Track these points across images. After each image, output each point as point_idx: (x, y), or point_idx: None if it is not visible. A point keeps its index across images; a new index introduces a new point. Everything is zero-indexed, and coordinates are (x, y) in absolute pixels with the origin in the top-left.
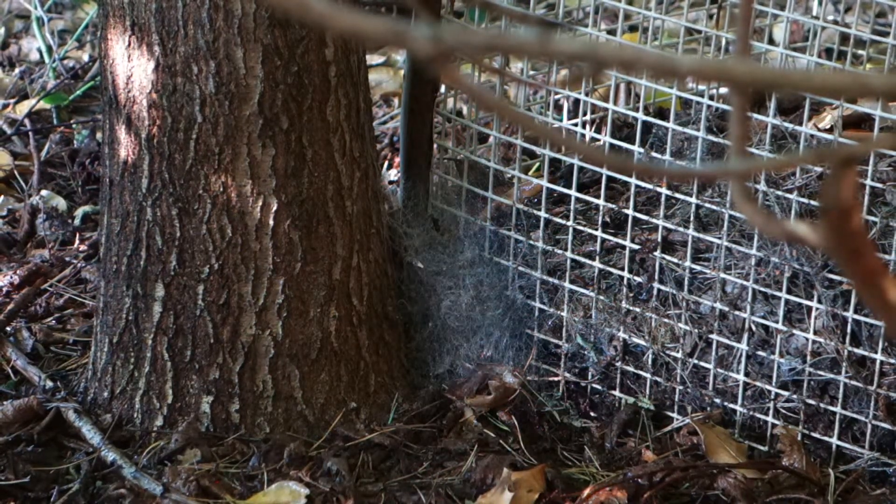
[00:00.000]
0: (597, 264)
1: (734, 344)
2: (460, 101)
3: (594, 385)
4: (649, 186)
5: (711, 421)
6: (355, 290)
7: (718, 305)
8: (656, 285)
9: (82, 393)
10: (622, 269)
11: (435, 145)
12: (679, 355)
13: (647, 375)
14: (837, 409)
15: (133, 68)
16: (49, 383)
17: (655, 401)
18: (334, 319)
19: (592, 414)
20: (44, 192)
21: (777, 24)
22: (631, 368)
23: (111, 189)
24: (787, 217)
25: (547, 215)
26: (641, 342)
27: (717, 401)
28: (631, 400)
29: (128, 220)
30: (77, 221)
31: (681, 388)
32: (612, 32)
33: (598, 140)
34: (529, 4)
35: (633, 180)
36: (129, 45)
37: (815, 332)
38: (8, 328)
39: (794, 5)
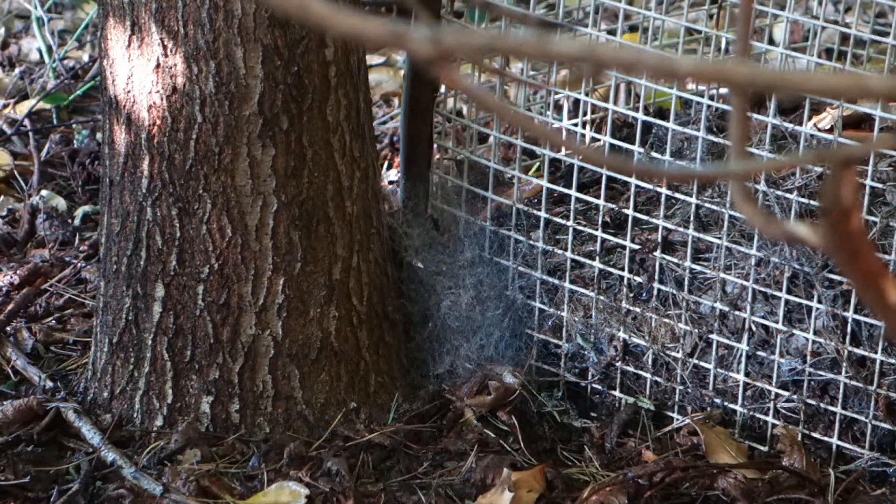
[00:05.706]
0: (597, 264)
1: (734, 344)
2: (460, 101)
3: (594, 385)
4: (649, 186)
5: (711, 421)
6: (355, 290)
7: (718, 305)
8: (656, 285)
9: (82, 393)
10: (622, 269)
11: (435, 145)
12: (679, 355)
13: (648, 375)
14: (837, 409)
15: (133, 68)
16: (49, 383)
17: (655, 401)
18: (334, 319)
19: (592, 414)
20: (44, 192)
21: (777, 25)
22: (631, 368)
23: (111, 189)
24: (787, 217)
25: (547, 215)
26: (641, 342)
27: (718, 401)
28: (631, 400)
29: (128, 220)
30: (77, 221)
31: (681, 388)
32: (612, 32)
33: (598, 140)
34: (529, 5)
35: (633, 180)
36: (129, 45)
37: (815, 333)
38: (8, 328)
39: (793, 5)
